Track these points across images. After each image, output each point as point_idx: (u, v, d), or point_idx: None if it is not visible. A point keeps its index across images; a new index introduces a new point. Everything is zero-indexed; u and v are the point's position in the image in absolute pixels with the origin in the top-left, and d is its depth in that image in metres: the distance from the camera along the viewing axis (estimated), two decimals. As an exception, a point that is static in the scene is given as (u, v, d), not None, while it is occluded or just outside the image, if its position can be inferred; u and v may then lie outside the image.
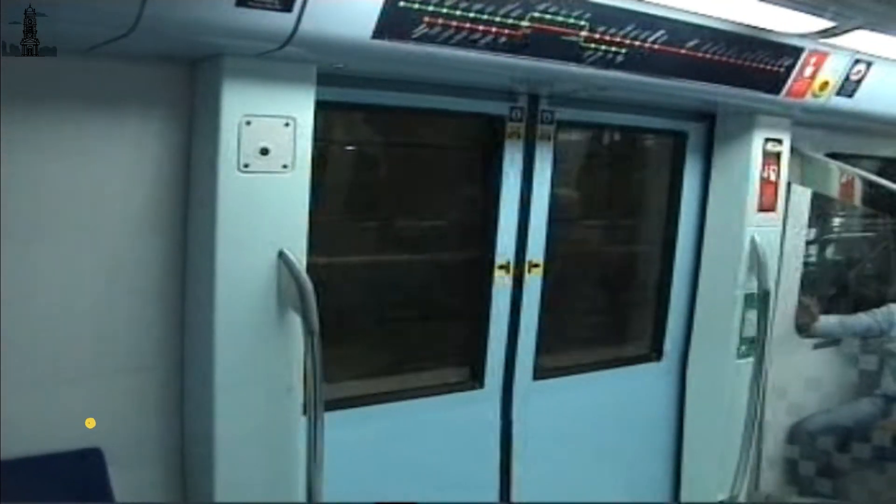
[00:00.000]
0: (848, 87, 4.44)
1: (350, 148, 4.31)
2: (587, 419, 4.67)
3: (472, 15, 3.14)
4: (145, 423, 3.33)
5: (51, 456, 3.08)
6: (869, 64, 4.38)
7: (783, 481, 5.58)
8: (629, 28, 3.51)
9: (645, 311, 5.09)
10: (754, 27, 3.80)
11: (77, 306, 3.12)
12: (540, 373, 4.47)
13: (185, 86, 3.20)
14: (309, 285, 3.17)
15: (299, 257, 3.24)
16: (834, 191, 5.11)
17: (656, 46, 3.63)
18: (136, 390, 3.29)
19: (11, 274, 2.93)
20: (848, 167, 5.03)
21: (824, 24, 3.78)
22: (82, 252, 3.11)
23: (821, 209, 5.66)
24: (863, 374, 5.71)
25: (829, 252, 6.19)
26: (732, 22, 3.72)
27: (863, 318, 5.70)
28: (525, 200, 4.24)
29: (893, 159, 5.88)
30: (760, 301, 4.75)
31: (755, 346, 4.79)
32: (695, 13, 3.61)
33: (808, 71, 4.22)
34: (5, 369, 2.93)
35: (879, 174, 5.23)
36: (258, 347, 3.27)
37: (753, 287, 4.78)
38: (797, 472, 5.55)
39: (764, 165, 4.74)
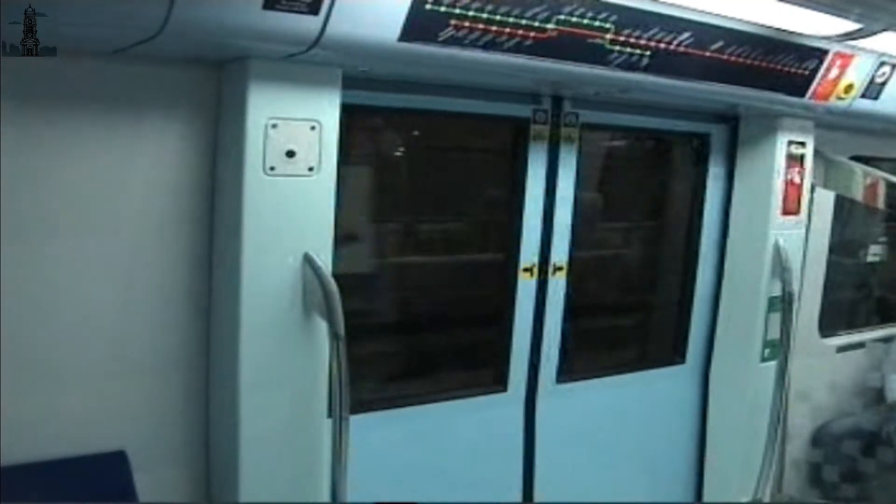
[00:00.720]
0: (873, 90, 4.43)
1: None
2: (610, 422, 4.66)
3: (498, 17, 3.14)
4: (170, 426, 3.34)
5: (75, 458, 3.08)
6: (894, 66, 4.37)
7: (806, 485, 5.55)
8: (654, 30, 3.51)
9: (668, 314, 5.07)
10: (779, 29, 3.79)
11: (102, 308, 3.14)
12: (564, 376, 4.46)
13: (211, 88, 3.21)
14: (334, 289, 3.17)
15: (325, 260, 3.25)
16: (858, 194, 5.09)
17: (681, 49, 3.63)
18: (160, 392, 3.30)
19: (36, 275, 2.96)
20: (872, 170, 5.02)
21: (850, 26, 3.76)
22: (106, 253, 3.13)
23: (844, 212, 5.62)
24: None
25: (852, 255, 6.15)
26: (757, 24, 3.71)
27: None
28: (549, 203, 4.23)
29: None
30: (784, 304, 4.73)
31: (779, 349, 4.77)
32: (720, 15, 3.60)
33: (833, 73, 4.21)
34: (30, 371, 2.96)
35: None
36: (283, 350, 3.28)
37: (777, 290, 4.76)
38: (821, 476, 5.51)
39: (787, 168, 4.72)
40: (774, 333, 4.80)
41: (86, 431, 3.11)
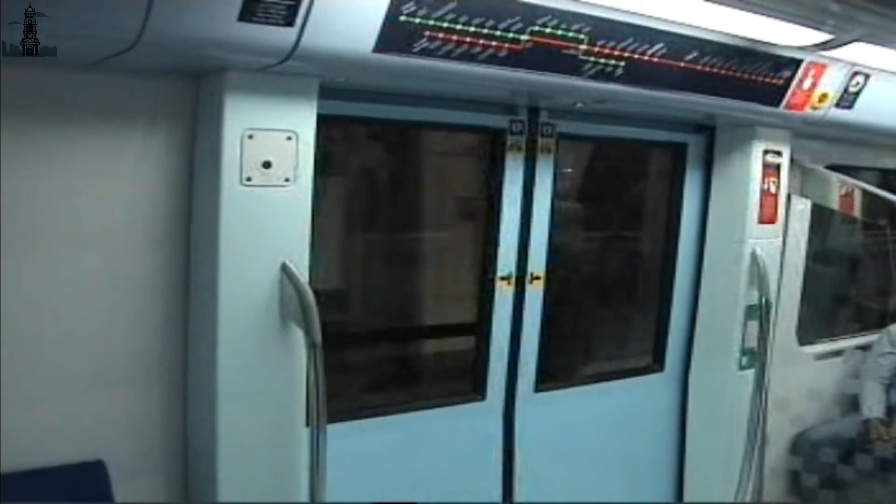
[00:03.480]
0: (846, 99, 4.47)
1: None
2: (589, 430, 4.68)
3: (472, 29, 3.16)
4: (148, 435, 3.34)
5: (54, 468, 3.08)
6: (867, 76, 4.41)
7: (786, 493, 5.57)
8: (628, 41, 3.54)
9: (646, 322, 5.10)
10: (753, 40, 3.82)
11: (80, 318, 3.14)
12: (542, 384, 4.48)
13: (188, 99, 3.22)
14: (311, 298, 3.18)
15: (302, 270, 3.26)
16: (834, 202, 5.13)
17: (655, 59, 3.66)
18: (138, 402, 3.30)
19: (14, 286, 2.94)
20: (847, 178, 5.05)
21: (822, 36, 3.79)
22: (85, 264, 3.13)
23: (821, 221, 5.65)
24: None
25: (830, 264, 6.19)
26: (731, 35, 3.74)
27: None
28: (526, 213, 4.25)
29: (892, 170, 5.89)
30: (761, 312, 4.76)
31: (757, 357, 4.81)
32: (694, 26, 3.62)
33: (807, 83, 4.24)
34: (8, 381, 2.94)
35: (879, 185, 5.25)
36: (261, 359, 3.29)
37: (754, 298, 4.79)
38: (800, 483, 5.53)
39: (764, 177, 4.76)
40: (752, 341, 4.83)
41: (65, 441, 3.11)
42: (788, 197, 4.98)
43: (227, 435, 3.26)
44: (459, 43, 3.17)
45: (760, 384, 4.76)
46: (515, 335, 4.33)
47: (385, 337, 4.56)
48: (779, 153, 4.80)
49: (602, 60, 3.53)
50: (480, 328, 4.30)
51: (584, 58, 3.48)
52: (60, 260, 3.08)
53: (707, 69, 3.83)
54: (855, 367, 5.76)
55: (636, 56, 3.60)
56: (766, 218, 4.81)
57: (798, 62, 4.11)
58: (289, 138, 3.20)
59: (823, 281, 6.01)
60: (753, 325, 4.82)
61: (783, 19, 3.56)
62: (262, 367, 3.30)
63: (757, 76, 4.05)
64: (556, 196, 4.36)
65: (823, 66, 4.21)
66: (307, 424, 3.31)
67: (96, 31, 2.62)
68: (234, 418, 3.26)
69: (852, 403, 5.68)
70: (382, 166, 4.46)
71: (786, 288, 5.25)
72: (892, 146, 5.52)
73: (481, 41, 3.21)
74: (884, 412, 5.49)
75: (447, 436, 4.20)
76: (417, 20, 3.04)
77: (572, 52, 3.43)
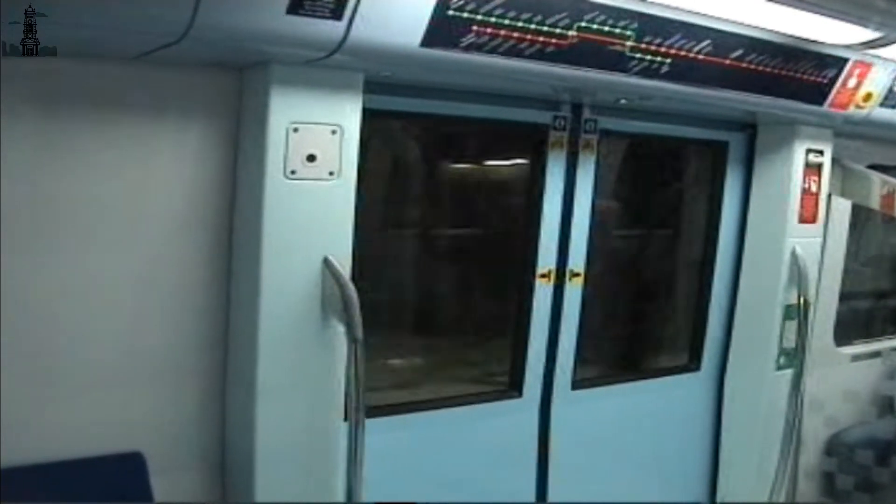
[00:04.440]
0: (892, 99, 4.42)
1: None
2: (625, 429, 4.66)
3: (520, 24, 3.15)
4: (186, 427, 3.35)
5: (92, 459, 3.10)
6: (914, 75, 4.36)
7: (820, 494, 5.53)
8: (675, 38, 3.52)
9: (684, 321, 5.08)
10: (799, 38, 3.79)
11: (122, 310, 3.15)
12: (579, 382, 4.46)
13: (233, 92, 3.22)
14: (353, 293, 3.18)
15: (344, 265, 3.25)
16: (875, 203, 5.07)
17: (701, 56, 3.63)
18: (177, 394, 3.31)
19: (59, 279, 2.98)
20: (889, 179, 4.99)
21: (869, 34, 3.75)
22: (127, 257, 3.14)
23: (861, 220, 5.61)
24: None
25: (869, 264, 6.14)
26: (777, 32, 3.71)
27: None
28: (567, 209, 4.24)
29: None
30: (800, 312, 4.72)
31: (794, 357, 4.76)
32: (739, 23, 3.60)
33: (852, 82, 4.20)
34: (49, 373, 2.99)
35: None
36: (300, 353, 3.29)
37: (793, 298, 4.74)
38: (835, 485, 5.49)
39: (805, 176, 4.72)
40: (790, 342, 4.79)
41: (104, 433, 3.12)
42: (829, 196, 4.93)
43: (266, 429, 3.26)
44: (507, 38, 3.15)
45: (798, 385, 4.73)
46: (553, 333, 4.31)
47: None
48: (820, 152, 4.75)
49: (648, 57, 3.51)
50: (519, 325, 4.28)
51: (631, 54, 3.46)
52: (103, 254, 3.09)
53: (752, 67, 3.80)
54: (892, 369, 5.71)
55: (682, 53, 3.58)
56: (807, 217, 4.76)
57: (844, 61, 4.07)
58: (333, 132, 3.20)
59: (862, 281, 5.96)
60: (791, 325, 4.78)
61: (830, 16, 3.52)
62: (303, 361, 3.29)
63: (801, 74, 4.01)
64: (597, 193, 4.34)
65: (869, 65, 4.16)
66: (346, 419, 3.31)
67: (145, 25, 2.61)
68: (273, 413, 3.26)
69: (889, 405, 5.64)
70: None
71: (824, 288, 5.20)
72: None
73: (528, 36, 3.19)
74: None
75: (484, 433, 4.18)
76: (465, 14, 3.03)
77: (619, 48, 3.41)
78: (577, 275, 4.31)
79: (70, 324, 3.04)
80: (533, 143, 4.18)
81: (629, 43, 3.42)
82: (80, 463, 3.07)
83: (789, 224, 4.71)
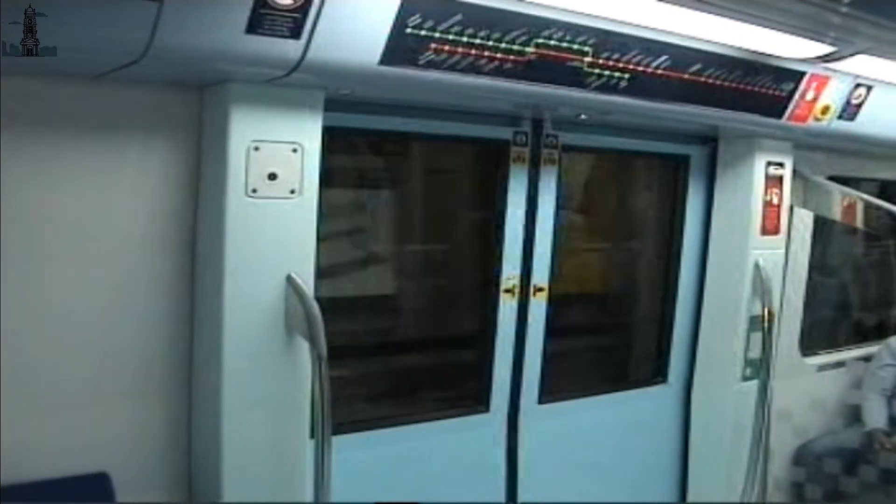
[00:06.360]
0: (849, 111, 4.47)
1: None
2: (593, 442, 4.67)
3: (478, 41, 3.17)
4: (153, 447, 3.34)
5: (58, 480, 3.08)
6: (869, 88, 4.41)
7: (790, 504, 5.57)
8: (633, 53, 3.55)
9: (649, 334, 5.10)
10: (756, 52, 3.83)
11: (85, 330, 3.14)
12: (545, 396, 4.47)
13: (193, 111, 3.23)
14: (317, 310, 3.18)
15: (307, 282, 3.26)
16: (836, 213, 5.13)
17: (659, 71, 3.67)
18: (143, 414, 3.30)
19: (17, 298, 2.95)
20: (850, 190, 5.05)
21: (825, 49, 3.79)
22: (89, 276, 3.13)
23: (823, 232, 5.66)
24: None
25: (832, 275, 6.19)
26: (735, 47, 3.74)
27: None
28: (530, 224, 4.26)
29: (893, 181, 5.89)
30: (764, 323, 4.76)
31: (760, 368, 4.79)
32: (698, 39, 3.63)
33: (810, 95, 4.25)
34: (12, 393, 2.95)
35: (880, 196, 5.26)
36: (265, 372, 3.28)
37: (757, 309, 4.78)
38: (803, 494, 5.52)
39: (766, 189, 4.77)
40: (755, 353, 4.82)
41: (69, 453, 3.11)
42: (791, 208, 4.98)
43: (232, 447, 3.25)
44: (465, 55, 3.18)
45: (764, 395, 4.75)
46: (519, 347, 4.33)
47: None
48: (781, 165, 4.81)
49: (606, 73, 3.53)
50: (484, 340, 4.29)
51: (589, 70, 3.48)
52: (64, 272, 3.08)
53: (710, 81, 3.84)
54: (857, 378, 5.75)
55: (640, 68, 3.61)
56: (769, 229, 4.81)
57: (801, 74, 4.11)
58: (294, 150, 3.21)
59: (826, 292, 6.01)
60: (756, 336, 4.81)
61: (786, 32, 3.55)
62: (267, 378, 3.29)
63: (760, 88, 4.05)
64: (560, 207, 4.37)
65: (826, 79, 4.22)
66: (311, 436, 3.31)
67: (104, 44, 2.62)
68: (239, 430, 3.26)
69: (855, 414, 5.68)
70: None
71: (788, 299, 5.25)
72: (894, 157, 5.52)
73: (486, 53, 3.22)
74: (886, 423, 5.49)
75: (451, 448, 4.20)
76: (423, 32, 3.05)
77: (577, 64, 3.44)
78: (541, 289, 4.33)
79: (33, 344, 3.03)
80: (494, 158, 4.20)
81: (587, 59, 3.45)
82: (45, 485, 3.05)
83: (751, 236, 4.76)
